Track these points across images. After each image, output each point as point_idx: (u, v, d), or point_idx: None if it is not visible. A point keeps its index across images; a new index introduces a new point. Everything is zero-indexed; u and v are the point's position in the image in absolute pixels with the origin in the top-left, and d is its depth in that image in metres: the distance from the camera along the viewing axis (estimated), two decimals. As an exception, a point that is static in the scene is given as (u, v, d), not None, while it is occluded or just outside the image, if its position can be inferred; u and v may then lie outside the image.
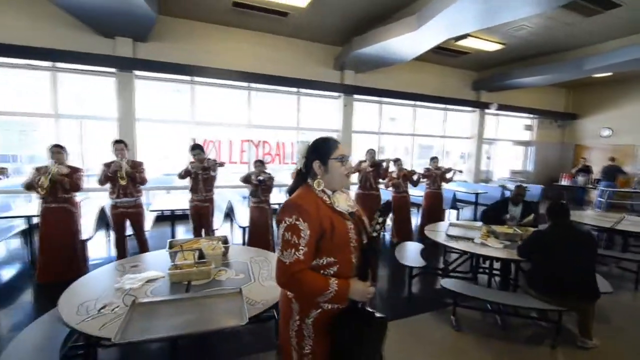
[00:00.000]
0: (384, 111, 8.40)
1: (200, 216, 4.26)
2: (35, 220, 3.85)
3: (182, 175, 4.15)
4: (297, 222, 1.26)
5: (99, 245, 4.82)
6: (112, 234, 4.21)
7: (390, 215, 5.50)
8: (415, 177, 5.47)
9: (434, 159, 5.74)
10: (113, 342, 1.48)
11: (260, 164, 4.37)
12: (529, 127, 10.51)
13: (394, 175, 5.41)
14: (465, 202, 7.21)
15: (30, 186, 3.31)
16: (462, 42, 6.59)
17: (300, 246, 1.24)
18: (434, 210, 5.63)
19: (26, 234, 4.22)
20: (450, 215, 6.97)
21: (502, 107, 9.24)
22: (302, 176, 1.44)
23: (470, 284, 3.00)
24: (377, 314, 1.36)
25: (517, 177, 9.95)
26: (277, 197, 5.30)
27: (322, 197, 1.36)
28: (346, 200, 1.44)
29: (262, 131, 7.14)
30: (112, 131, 5.79)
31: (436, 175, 5.61)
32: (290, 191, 1.45)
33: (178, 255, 2.39)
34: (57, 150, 3.39)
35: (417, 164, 8.39)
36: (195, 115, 6.59)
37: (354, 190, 5.44)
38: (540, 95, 10.20)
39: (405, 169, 5.42)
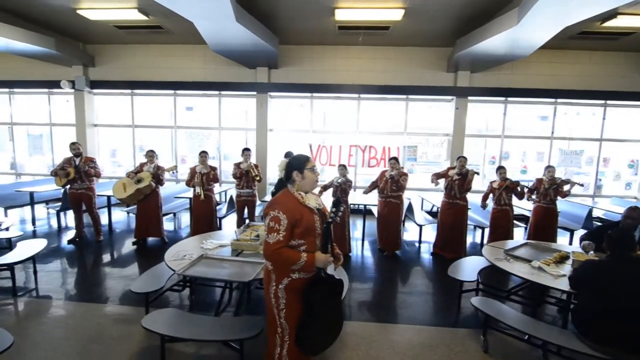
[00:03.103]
0: (510, 112, 7.42)
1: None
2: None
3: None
4: (278, 214, 1.78)
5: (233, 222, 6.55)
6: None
7: (487, 231, 5.12)
8: (519, 189, 4.84)
9: (548, 168, 4.89)
10: (186, 275, 2.50)
11: (342, 168, 5.00)
12: None
13: (495, 186, 4.98)
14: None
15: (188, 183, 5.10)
16: (611, 23, 5.21)
17: (281, 231, 1.77)
18: (542, 228, 4.83)
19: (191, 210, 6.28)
20: (576, 235, 5.63)
21: None
22: (283, 183, 2.02)
23: (506, 308, 2.74)
24: (335, 277, 1.91)
25: None
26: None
27: (297, 197, 1.89)
28: (315, 199, 1.97)
29: (370, 136, 7.68)
30: (252, 139, 7.68)
31: (548, 187, 4.78)
32: (274, 194, 2.07)
33: (244, 232, 3.35)
34: (203, 156, 5.02)
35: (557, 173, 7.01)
36: (313, 124, 7.78)
37: (436, 198, 5.29)
38: None
39: (509, 179, 4.88)
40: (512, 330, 2.58)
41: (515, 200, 4.93)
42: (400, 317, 3.32)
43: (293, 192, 1.91)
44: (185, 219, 6.97)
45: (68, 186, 5.06)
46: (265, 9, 5.39)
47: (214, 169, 5.14)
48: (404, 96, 7.44)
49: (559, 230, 5.29)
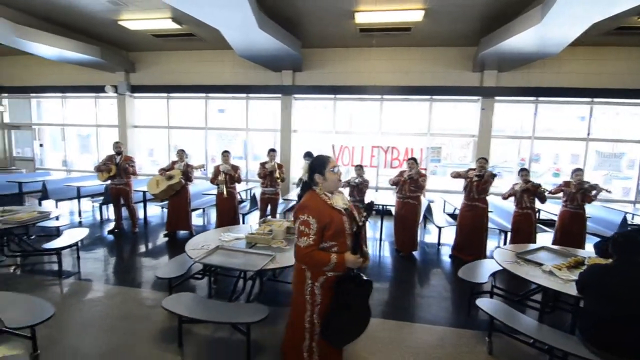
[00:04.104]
0: (543, 112, 7.10)
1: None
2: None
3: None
4: (308, 218, 1.82)
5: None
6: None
7: (509, 235, 4.99)
8: (541, 192, 4.67)
9: (576, 171, 4.67)
10: (201, 263, 2.76)
11: (359, 168, 5.09)
12: None
13: (517, 188, 4.84)
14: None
15: (212, 181, 5.42)
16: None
17: (311, 234, 1.81)
18: (569, 233, 4.63)
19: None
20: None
21: None
22: (307, 185, 2.02)
23: (513, 311, 2.70)
24: (364, 277, 1.92)
25: None
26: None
27: (324, 199, 1.91)
28: (342, 200, 1.98)
29: (393, 137, 7.67)
30: (277, 140, 7.97)
31: (576, 192, 4.57)
32: (300, 197, 2.17)
33: (259, 226, 3.57)
34: (225, 155, 5.33)
35: (592, 177, 6.59)
36: (336, 125, 7.91)
37: (460, 201, 5.20)
38: None
39: (531, 182, 4.73)
40: (518, 333, 2.57)
41: (541, 205, 4.78)
42: (409, 316, 3.36)
43: (320, 194, 1.93)
44: (213, 214, 7.35)
45: (109, 181, 5.58)
46: (287, 14, 5.60)
47: (236, 168, 5.43)
48: (428, 97, 7.37)
49: (591, 236, 5.05)
